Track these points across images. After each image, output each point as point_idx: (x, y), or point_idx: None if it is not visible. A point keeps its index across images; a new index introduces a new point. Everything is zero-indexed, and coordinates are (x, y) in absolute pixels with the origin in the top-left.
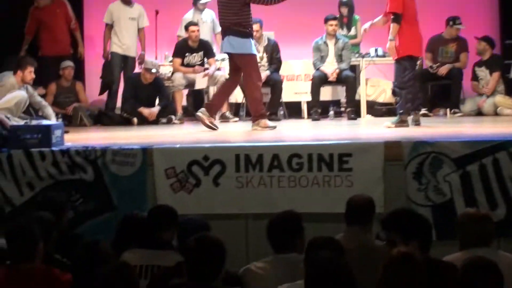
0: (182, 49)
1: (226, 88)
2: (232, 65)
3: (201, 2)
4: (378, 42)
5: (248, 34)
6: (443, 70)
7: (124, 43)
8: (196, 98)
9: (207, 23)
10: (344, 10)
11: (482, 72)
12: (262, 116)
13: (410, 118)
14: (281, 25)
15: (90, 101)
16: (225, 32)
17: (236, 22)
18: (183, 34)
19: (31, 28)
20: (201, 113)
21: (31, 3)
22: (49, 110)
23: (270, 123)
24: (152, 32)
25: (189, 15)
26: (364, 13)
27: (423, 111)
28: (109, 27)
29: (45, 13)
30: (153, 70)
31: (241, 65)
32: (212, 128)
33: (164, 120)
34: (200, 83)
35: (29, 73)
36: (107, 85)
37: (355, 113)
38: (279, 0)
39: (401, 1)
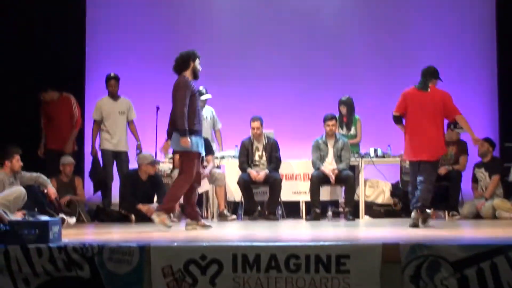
0: None
1: (189, 189)
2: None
3: (201, 98)
4: (378, 143)
5: (191, 132)
6: (442, 170)
7: (115, 138)
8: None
9: (207, 120)
10: (343, 109)
11: (482, 174)
12: (167, 211)
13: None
14: (281, 123)
15: (87, 196)
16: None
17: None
18: None
19: (45, 123)
20: (189, 225)
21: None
22: (43, 177)
23: (168, 222)
24: (152, 128)
25: None
26: (364, 113)
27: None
28: (98, 123)
29: (51, 108)
30: (152, 161)
31: (180, 162)
32: (209, 227)
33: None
34: (202, 186)
35: (17, 161)
36: (100, 182)
37: (353, 214)
38: (180, 118)
39: (402, 103)
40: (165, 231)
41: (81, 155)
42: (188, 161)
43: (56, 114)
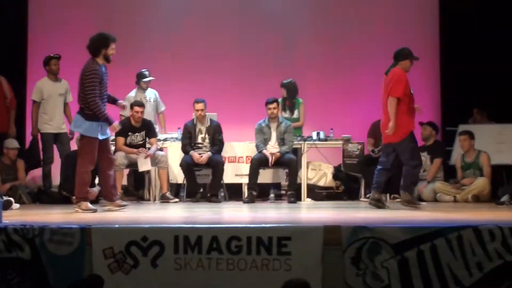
0: (125, 129)
1: (101, 171)
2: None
3: (144, 80)
4: (320, 126)
5: (92, 117)
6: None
7: (55, 121)
8: (137, 178)
9: (150, 102)
10: (285, 93)
11: (423, 157)
12: (85, 199)
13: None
14: (224, 106)
15: (28, 178)
16: (78, 110)
17: (83, 103)
18: (126, 113)
19: None
20: (105, 206)
21: None
22: None
23: (91, 206)
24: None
25: (132, 94)
26: (307, 96)
27: (367, 196)
28: (37, 104)
29: None
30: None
31: (79, 145)
32: (124, 206)
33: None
34: (143, 165)
35: None
36: (36, 163)
37: (296, 196)
38: (97, 112)
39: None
40: (106, 213)
41: (23, 137)
42: (87, 146)
43: None
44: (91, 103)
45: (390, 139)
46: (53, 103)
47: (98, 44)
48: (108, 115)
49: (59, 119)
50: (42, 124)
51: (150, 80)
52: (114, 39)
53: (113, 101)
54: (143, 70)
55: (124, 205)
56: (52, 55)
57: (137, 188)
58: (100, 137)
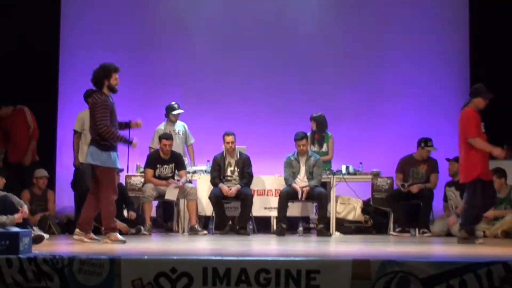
0: (154, 161)
1: (92, 201)
2: (95, 177)
3: (173, 113)
4: (349, 160)
5: (108, 147)
6: (415, 188)
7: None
8: (166, 209)
9: (179, 135)
10: (314, 126)
11: (452, 193)
12: (114, 230)
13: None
14: (254, 139)
15: (57, 208)
16: (91, 142)
17: (97, 134)
18: (155, 145)
19: (2, 138)
20: (77, 235)
21: None
22: (15, 198)
23: (120, 237)
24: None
25: (162, 126)
26: (336, 130)
27: (396, 231)
28: (78, 135)
29: (6, 123)
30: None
31: (99, 177)
32: (96, 240)
33: (133, 230)
34: (170, 194)
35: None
36: (83, 194)
37: (327, 230)
38: (113, 138)
39: None
40: (135, 244)
41: (53, 167)
42: (108, 177)
43: (12, 128)
44: (104, 132)
45: (461, 178)
46: (85, 135)
47: (100, 76)
48: (125, 135)
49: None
50: (82, 155)
51: (179, 113)
52: (116, 69)
53: (126, 125)
54: (172, 103)
55: (97, 240)
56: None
57: (166, 219)
58: (119, 167)
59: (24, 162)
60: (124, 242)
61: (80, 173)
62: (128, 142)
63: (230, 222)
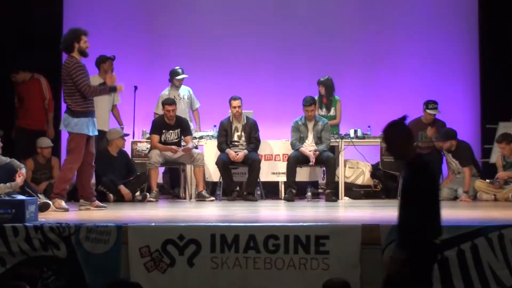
0: (159, 126)
1: (81, 168)
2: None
3: (177, 78)
4: (358, 123)
5: (79, 113)
6: (424, 150)
7: (101, 118)
8: (172, 176)
9: (184, 99)
10: (322, 90)
11: (453, 162)
12: (60, 196)
13: None
14: (260, 103)
15: None
16: (66, 110)
17: (67, 102)
18: (159, 111)
19: (18, 103)
20: (82, 205)
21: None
22: (15, 161)
23: (64, 205)
24: (130, 108)
25: (166, 92)
26: (344, 94)
27: None
28: None
29: (22, 89)
30: (123, 134)
31: (67, 142)
32: (103, 207)
33: (139, 197)
34: (181, 158)
35: None
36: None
37: (334, 195)
38: (100, 93)
39: None
40: (143, 211)
41: (58, 135)
42: (74, 142)
43: (27, 95)
44: (86, 90)
45: None
46: (98, 102)
47: (70, 38)
48: (106, 87)
49: (104, 118)
50: None
51: (183, 78)
52: (85, 32)
53: (111, 89)
54: (176, 68)
55: (103, 207)
56: (108, 56)
57: (173, 186)
58: (90, 133)
59: (48, 136)
60: (66, 210)
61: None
62: (113, 89)
63: (238, 188)
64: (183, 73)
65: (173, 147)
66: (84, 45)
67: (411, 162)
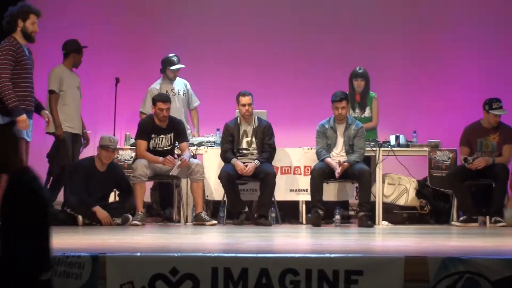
0: (147, 129)
1: None
2: None
3: (171, 68)
4: (400, 128)
5: (6, 111)
6: (481, 162)
7: (75, 118)
8: (163, 193)
9: (180, 95)
10: (358, 85)
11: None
12: None
13: None
14: (275, 102)
15: None
16: None
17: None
18: (148, 110)
19: None
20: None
21: None
22: None
23: None
24: (109, 105)
25: (156, 85)
26: (381, 90)
27: (461, 219)
28: (56, 96)
29: None
30: (112, 147)
31: None
32: None
33: (119, 220)
34: (175, 170)
35: None
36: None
37: (370, 219)
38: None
39: None
40: (125, 238)
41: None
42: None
43: None
44: None
45: None
46: (71, 98)
47: (14, 15)
48: (19, 105)
49: (78, 118)
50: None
51: (179, 68)
52: (38, 12)
53: (37, 107)
54: (170, 55)
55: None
56: (82, 45)
57: (164, 206)
58: (28, 138)
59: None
60: None
61: (63, 144)
62: (15, 113)
63: (247, 209)
64: (179, 62)
65: (168, 158)
66: (31, 27)
67: (11, 178)
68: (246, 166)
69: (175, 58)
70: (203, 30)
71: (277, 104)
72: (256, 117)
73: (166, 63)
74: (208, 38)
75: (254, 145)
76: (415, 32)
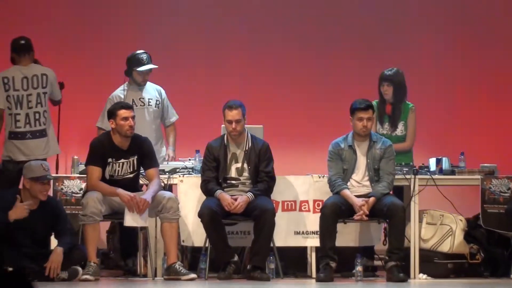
0: (102, 152)
1: None
2: None
3: (139, 69)
4: (442, 149)
5: None
6: None
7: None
8: (124, 236)
9: (151, 107)
10: (387, 91)
11: None
12: None
13: None
14: (277, 114)
15: None
16: None
17: None
18: (105, 125)
19: None
20: None
21: None
22: None
23: None
24: (53, 118)
25: (120, 93)
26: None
27: None
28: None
29: None
30: (49, 177)
31: None
32: None
33: (64, 274)
34: (131, 219)
35: None
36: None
37: (403, 270)
38: None
39: None
40: None
41: None
42: None
43: None
44: None
45: None
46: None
47: None
48: None
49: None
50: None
51: (150, 70)
52: None
53: None
54: (137, 52)
55: None
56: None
57: (125, 255)
58: None
59: None
60: None
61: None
62: None
63: (237, 258)
64: (150, 61)
65: (135, 198)
66: None
67: None
68: (236, 200)
69: (144, 56)
70: (178, 22)
71: (277, 117)
72: (250, 136)
73: (132, 62)
74: (185, 33)
75: (246, 173)
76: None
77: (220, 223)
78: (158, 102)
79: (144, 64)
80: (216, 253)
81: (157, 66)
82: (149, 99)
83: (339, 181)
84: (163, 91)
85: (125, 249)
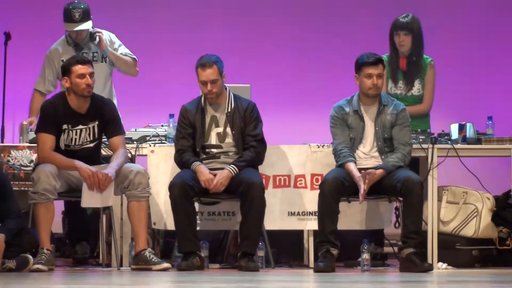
0: (55, 117)
1: None
2: None
3: (66, 28)
4: (465, 113)
5: None
6: None
7: None
8: (81, 219)
9: (96, 62)
10: (405, 41)
11: None
12: None
13: None
14: (267, 72)
15: None
16: None
17: None
18: (48, 87)
19: None
20: None
21: None
22: None
23: None
24: None
25: (58, 46)
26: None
27: None
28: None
29: None
30: None
31: None
32: None
33: (11, 263)
34: (89, 198)
35: None
36: None
37: (421, 257)
38: None
39: None
40: None
41: None
42: None
43: None
44: None
45: None
46: None
47: None
48: None
49: None
50: None
51: (81, 31)
52: None
53: None
54: (72, 4)
55: None
56: None
57: (80, 239)
58: None
59: None
60: None
61: None
62: None
63: (220, 244)
64: (86, 17)
65: (97, 174)
66: None
67: None
68: (216, 174)
69: (76, 12)
70: None
71: (268, 76)
72: (232, 96)
73: (64, 15)
74: None
75: (229, 139)
76: None
77: (191, 201)
78: (104, 55)
79: (74, 22)
80: (179, 239)
81: (89, 28)
82: (93, 52)
83: (345, 151)
84: (113, 35)
85: (82, 234)
